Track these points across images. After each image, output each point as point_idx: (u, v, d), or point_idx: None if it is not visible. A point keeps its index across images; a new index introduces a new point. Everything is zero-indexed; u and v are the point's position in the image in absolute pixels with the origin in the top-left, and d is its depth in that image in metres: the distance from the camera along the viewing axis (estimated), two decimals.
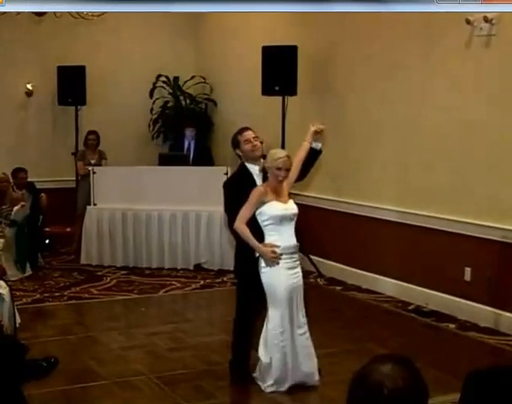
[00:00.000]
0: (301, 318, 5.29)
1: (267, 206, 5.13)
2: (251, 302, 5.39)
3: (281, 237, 5.16)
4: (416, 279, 7.68)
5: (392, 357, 1.85)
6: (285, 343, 5.21)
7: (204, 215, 9.03)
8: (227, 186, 5.56)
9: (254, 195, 5.15)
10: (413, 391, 1.76)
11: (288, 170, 5.15)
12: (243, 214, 5.14)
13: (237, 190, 5.33)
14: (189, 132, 10.30)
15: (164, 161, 9.83)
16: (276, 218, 5.15)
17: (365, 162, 8.40)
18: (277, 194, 5.19)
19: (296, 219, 5.27)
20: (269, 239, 5.16)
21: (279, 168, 5.11)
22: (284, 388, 5.27)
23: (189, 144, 10.30)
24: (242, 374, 5.48)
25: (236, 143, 5.55)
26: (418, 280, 7.64)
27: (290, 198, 5.29)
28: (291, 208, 5.25)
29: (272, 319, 5.21)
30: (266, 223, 5.17)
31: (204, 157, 10.14)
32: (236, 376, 5.53)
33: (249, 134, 5.50)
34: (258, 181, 5.36)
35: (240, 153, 5.53)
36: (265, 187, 5.20)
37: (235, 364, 5.56)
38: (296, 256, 5.28)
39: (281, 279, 5.15)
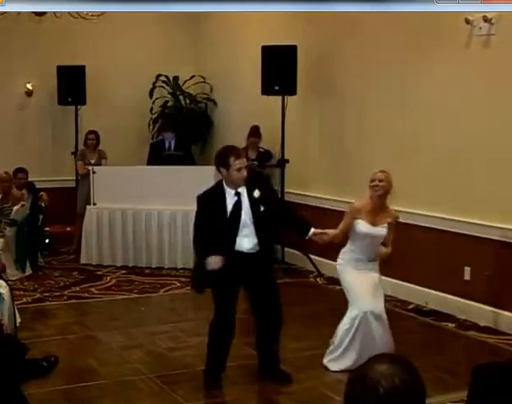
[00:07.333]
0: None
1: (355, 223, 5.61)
2: (228, 301, 5.38)
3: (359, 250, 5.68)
4: (416, 278, 7.69)
5: (389, 356, 1.86)
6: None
7: None
8: (199, 200, 5.40)
9: (347, 211, 5.72)
10: (409, 390, 1.76)
11: (381, 181, 5.58)
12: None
13: (206, 207, 5.30)
14: (167, 136, 10.26)
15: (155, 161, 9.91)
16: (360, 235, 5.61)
17: (364, 161, 8.39)
18: (372, 215, 5.58)
19: (381, 240, 5.68)
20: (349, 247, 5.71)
21: (371, 180, 5.62)
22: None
23: (170, 144, 10.27)
24: (214, 380, 5.44)
25: (224, 164, 5.12)
26: (418, 279, 7.64)
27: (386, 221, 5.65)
28: (379, 230, 5.62)
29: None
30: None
31: (184, 158, 10.03)
32: (209, 382, 5.45)
33: (243, 162, 5.14)
34: (230, 202, 5.21)
35: (224, 175, 5.16)
36: (360, 205, 5.65)
37: (208, 370, 5.48)
38: (371, 265, 5.70)
39: (350, 270, 5.68)
